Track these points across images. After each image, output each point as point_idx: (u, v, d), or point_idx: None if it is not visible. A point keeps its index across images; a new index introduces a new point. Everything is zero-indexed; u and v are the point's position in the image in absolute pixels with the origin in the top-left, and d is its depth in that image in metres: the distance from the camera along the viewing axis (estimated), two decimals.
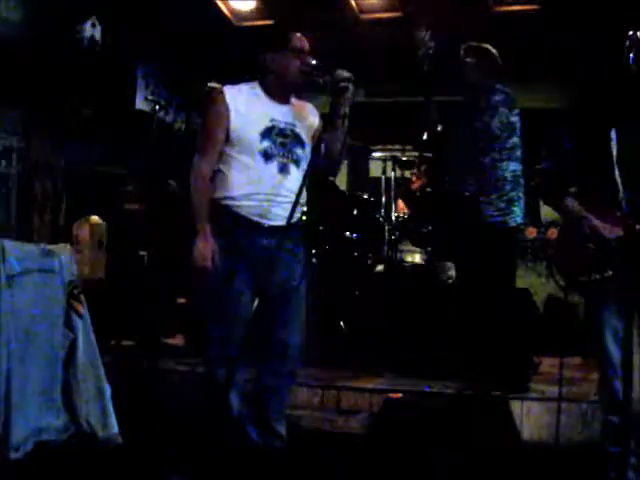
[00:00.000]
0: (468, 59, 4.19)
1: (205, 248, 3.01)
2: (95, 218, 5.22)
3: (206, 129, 3.14)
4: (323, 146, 3.07)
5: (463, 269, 4.40)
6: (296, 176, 3.06)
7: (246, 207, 3.04)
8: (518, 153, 4.11)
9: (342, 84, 3.00)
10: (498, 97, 4.10)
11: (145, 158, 5.50)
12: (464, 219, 4.18)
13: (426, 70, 4.10)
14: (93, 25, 5.52)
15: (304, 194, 3.13)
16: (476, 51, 4.22)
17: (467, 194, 4.13)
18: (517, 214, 4.12)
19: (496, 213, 4.07)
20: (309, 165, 3.02)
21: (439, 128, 4.20)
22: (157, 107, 5.46)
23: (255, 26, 6.30)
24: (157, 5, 5.80)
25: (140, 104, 6.08)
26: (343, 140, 3.11)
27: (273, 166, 3.06)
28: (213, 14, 6.42)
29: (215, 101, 3.09)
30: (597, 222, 2.89)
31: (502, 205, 4.07)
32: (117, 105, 5.87)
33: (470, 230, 4.14)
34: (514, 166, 4.08)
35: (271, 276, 2.89)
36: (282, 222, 3.00)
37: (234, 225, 3.05)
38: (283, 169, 3.07)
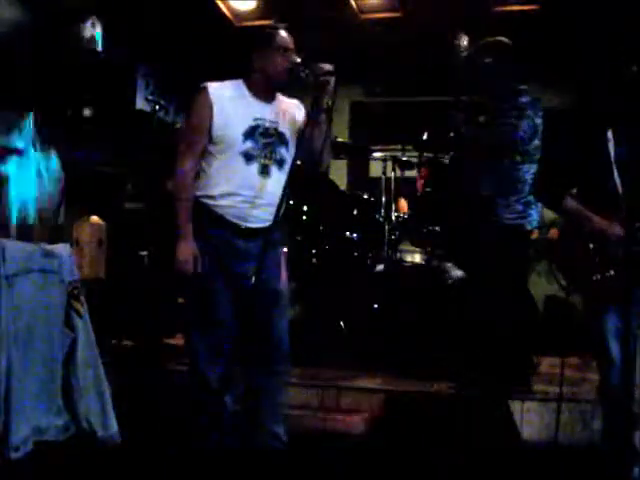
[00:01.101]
0: (487, 59, 4.03)
1: (187, 251, 3.03)
2: (95, 218, 5.22)
3: (189, 128, 3.14)
4: (306, 141, 3.05)
5: (474, 270, 4.33)
6: (278, 178, 3.05)
7: (224, 207, 3.04)
8: (538, 156, 4.03)
9: (323, 77, 2.98)
10: (525, 99, 4.00)
11: (145, 158, 5.49)
12: (479, 220, 4.12)
13: (459, 71, 4.04)
14: (93, 25, 5.52)
15: (285, 194, 3.13)
16: (494, 47, 4.06)
17: (485, 194, 4.06)
18: (533, 217, 4.07)
19: (514, 215, 4.01)
20: (292, 162, 2.99)
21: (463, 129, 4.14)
22: (157, 107, 5.46)
23: (255, 26, 6.30)
24: (157, 5, 5.80)
25: (140, 104, 6.07)
26: (326, 134, 3.08)
27: (254, 167, 3.04)
28: (213, 14, 6.42)
29: (199, 98, 3.08)
30: (599, 220, 2.89)
31: (520, 208, 4.00)
32: (117, 105, 5.87)
33: (485, 231, 4.09)
34: (533, 169, 4.01)
35: (248, 277, 2.86)
36: (260, 224, 3.01)
37: (211, 225, 3.05)
38: (264, 171, 3.05)
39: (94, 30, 5.53)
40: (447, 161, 5.29)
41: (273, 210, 2.94)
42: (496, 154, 4.03)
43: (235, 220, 3.04)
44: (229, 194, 3.03)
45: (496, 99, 4.10)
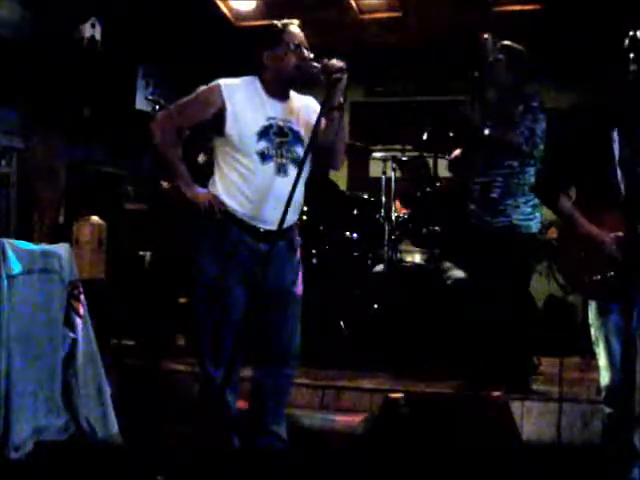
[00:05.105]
0: (500, 57, 4.11)
1: (197, 193, 3.00)
2: (95, 218, 5.22)
3: (186, 105, 3.10)
4: (319, 138, 2.99)
5: (480, 270, 4.32)
6: (295, 176, 3.01)
7: (241, 208, 3.00)
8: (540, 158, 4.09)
9: (335, 75, 2.93)
10: (536, 103, 4.09)
11: (145, 158, 5.50)
12: (490, 220, 4.13)
13: (482, 71, 4.08)
14: (93, 25, 5.52)
15: (301, 193, 3.10)
16: (509, 51, 4.14)
17: (494, 196, 4.10)
18: (539, 220, 4.14)
19: (522, 217, 4.06)
20: (302, 161, 2.93)
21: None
22: (157, 107, 5.46)
23: (255, 26, 6.30)
24: (157, 5, 5.80)
25: (140, 104, 6.07)
26: (339, 132, 3.05)
27: (270, 167, 3.00)
28: (213, 14, 6.42)
29: (210, 89, 3.05)
30: (589, 226, 2.88)
31: (528, 210, 4.07)
32: (117, 105, 5.87)
33: (493, 232, 4.10)
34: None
35: (263, 278, 2.80)
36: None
37: (228, 226, 3.00)
38: (281, 170, 3.01)
39: (94, 30, 5.53)
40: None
41: (291, 210, 2.85)
42: (512, 156, 4.06)
43: (252, 222, 2.99)
44: (246, 195, 2.99)
45: (512, 101, 4.13)
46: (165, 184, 5.05)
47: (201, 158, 4.70)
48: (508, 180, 4.08)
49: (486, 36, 4.14)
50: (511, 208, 4.06)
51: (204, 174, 3.16)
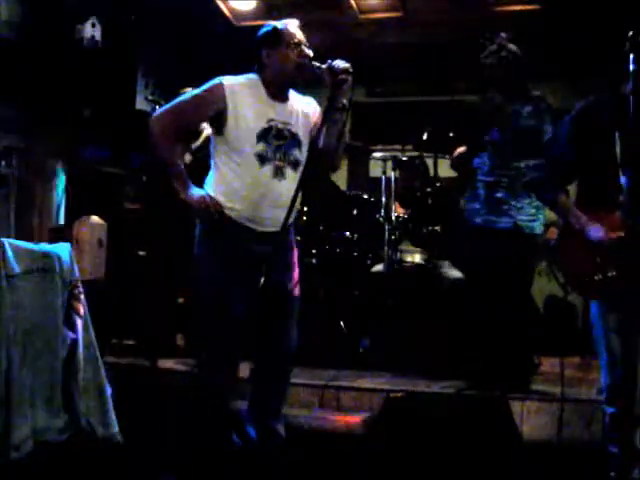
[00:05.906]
0: (504, 55, 4.12)
1: (194, 194, 2.97)
2: (95, 218, 5.21)
3: (188, 99, 3.06)
4: (321, 139, 3.00)
5: (481, 270, 4.33)
6: (293, 179, 3.00)
7: (237, 210, 2.99)
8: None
9: (341, 76, 2.93)
10: (543, 105, 4.12)
11: (145, 158, 5.50)
12: (494, 221, 4.15)
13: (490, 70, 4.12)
14: (93, 25, 5.52)
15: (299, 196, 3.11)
16: (514, 51, 4.16)
17: (499, 196, 4.11)
18: (542, 221, 4.15)
19: (525, 218, 4.08)
20: (305, 163, 2.95)
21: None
22: (157, 107, 5.46)
23: (255, 26, 6.29)
24: (157, 5, 5.80)
25: (140, 104, 6.07)
26: (340, 133, 3.04)
27: (267, 170, 2.99)
28: (213, 14, 6.42)
29: (212, 87, 3.03)
30: (586, 220, 2.88)
31: (532, 211, 4.09)
32: (117, 105, 5.87)
33: (497, 232, 4.11)
34: None
35: (262, 280, 2.78)
36: (274, 227, 2.95)
37: (224, 227, 3.00)
38: (278, 172, 3.01)
39: (94, 30, 5.53)
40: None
41: (288, 212, 2.85)
42: (518, 156, 4.06)
43: (248, 224, 2.99)
44: (243, 197, 2.99)
45: (518, 102, 4.15)
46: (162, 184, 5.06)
47: (187, 158, 4.71)
48: (513, 181, 4.08)
49: (503, 34, 4.15)
50: (515, 209, 4.08)
51: (190, 173, 3.15)
